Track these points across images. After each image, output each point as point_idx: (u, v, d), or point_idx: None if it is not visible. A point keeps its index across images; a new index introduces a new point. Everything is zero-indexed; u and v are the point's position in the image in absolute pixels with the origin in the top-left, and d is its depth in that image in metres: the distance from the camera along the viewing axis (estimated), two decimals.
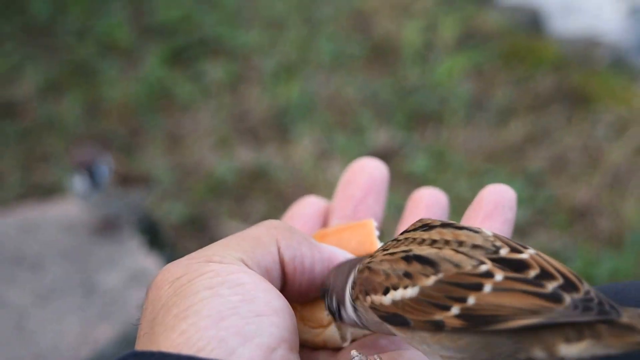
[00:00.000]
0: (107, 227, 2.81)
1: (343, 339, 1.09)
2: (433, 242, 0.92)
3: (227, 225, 3.59)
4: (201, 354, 0.90)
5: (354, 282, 0.99)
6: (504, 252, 0.90)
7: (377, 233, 1.15)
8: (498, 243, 0.91)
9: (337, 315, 1.04)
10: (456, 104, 4.09)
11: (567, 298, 0.84)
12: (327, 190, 3.60)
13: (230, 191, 3.81)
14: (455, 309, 0.87)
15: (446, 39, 4.61)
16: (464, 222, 1.16)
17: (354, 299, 0.98)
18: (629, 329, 0.84)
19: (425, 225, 0.96)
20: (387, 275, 0.93)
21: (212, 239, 3.34)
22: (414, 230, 0.96)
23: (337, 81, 4.48)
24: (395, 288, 0.91)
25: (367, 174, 1.27)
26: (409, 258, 0.91)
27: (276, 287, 1.02)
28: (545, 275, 0.87)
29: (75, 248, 2.72)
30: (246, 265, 1.01)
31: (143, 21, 5.32)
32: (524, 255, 0.89)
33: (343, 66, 4.61)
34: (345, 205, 1.26)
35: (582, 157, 3.67)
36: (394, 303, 0.91)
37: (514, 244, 0.91)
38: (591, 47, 4.49)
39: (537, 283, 0.86)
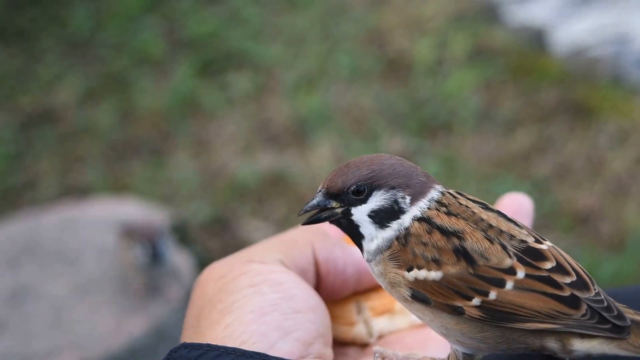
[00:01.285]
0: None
1: (370, 335, 1.09)
2: (489, 228, 0.91)
3: (249, 226, 3.58)
4: (244, 347, 0.92)
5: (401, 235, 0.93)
6: (530, 240, 0.91)
7: None
8: (525, 232, 0.92)
9: (375, 225, 0.96)
10: (465, 115, 4.07)
11: (584, 305, 0.85)
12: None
13: (252, 194, 3.80)
14: (476, 300, 0.87)
15: (456, 54, 4.59)
16: None
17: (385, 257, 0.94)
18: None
19: (483, 204, 0.94)
20: (415, 256, 0.91)
21: (234, 239, 3.34)
22: (474, 202, 0.94)
23: (354, 92, 4.47)
24: (420, 268, 0.91)
25: None
26: (458, 252, 0.89)
27: (311, 286, 1.03)
28: (560, 269, 0.87)
29: (111, 245, 2.71)
30: (284, 265, 1.03)
31: (174, 36, 5.33)
32: (543, 246, 0.90)
33: (360, 79, 4.60)
34: None
35: (585, 164, 3.65)
36: (417, 281, 0.90)
37: (537, 236, 0.92)
38: (593, 62, 4.47)
39: (556, 284, 0.86)
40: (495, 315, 0.86)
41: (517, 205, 1.15)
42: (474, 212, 0.92)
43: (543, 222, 3.32)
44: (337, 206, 0.96)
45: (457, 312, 0.88)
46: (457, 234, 0.90)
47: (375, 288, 1.11)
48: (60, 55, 5.25)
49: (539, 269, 0.87)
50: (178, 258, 2.63)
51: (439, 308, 0.90)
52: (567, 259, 0.90)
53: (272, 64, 4.82)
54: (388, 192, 0.95)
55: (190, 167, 4.03)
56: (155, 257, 2.56)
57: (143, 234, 2.59)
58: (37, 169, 4.21)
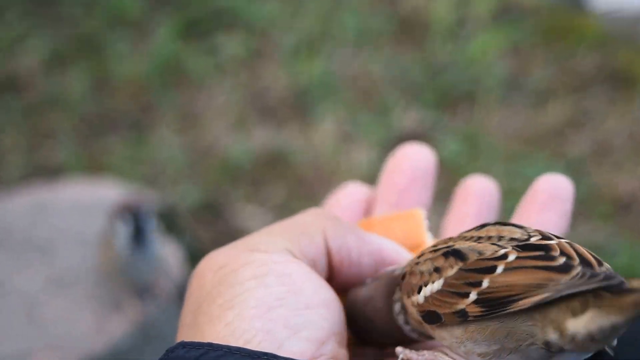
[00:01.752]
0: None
1: None
2: (478, 239, 0.98)
3: (244, 212, 3.62)
4: (248, 346, 0.94)
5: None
6: (534, 239, 0.95)
7: (426, 223, 1.18)
8: (533, 233, 0.96)
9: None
10: (490, 84, 4.09)
11: (577, 269, 0.90)
12: (349, 175, 3.62)
13: (246, 175, 3.83)
14: (473, 295, 0.92)
15: (480, 13, 4.61)
16: (517, 213, 1.20)
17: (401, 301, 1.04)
18: (629, 291, 0.87)
19: (481, 226, 1.01)
20: (422, 274, 0.98)
21: (227, 226, 3.39)
22: (469, 230, 1.02)
23: (362, 58, 4.49)
24: (426, 284, 0.97)
25: (412, 161, 1.29)
26: (447, 254, 0.97)
27: (323, 278, 1.05)
28: (563, 255, 0.92)
29: (89, 232, 2.75)
30: (292, 254, 1.04)
31: None
32: (551, 242, 0.94)
33: (368, 42, 4.62)
34: (389, 193, 1.28)
35: (626, 143, 3.68)
36: (426, 299, 0.97)
37: (549, 234, 0.96)
38: (638, 23, 4.48)
39: (550, 257, 0.91)
40: (492, 304, 0.91)
41: (554, 189, 1.17)
42: (465, 236, 1.00)
43: (578, 209, 3.36)
44: None
45: (463, 316, 0.94)
46: (447, 245, 1.00)
47: None
48: (23, 14, 5.25)
49: (533, 252, 0.93)
50: (166, 248, 2.67)
51: (449, 321, 0.95)
52: (578, 249, 0.93)
53: (267, 25, 4.84)
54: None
55: (176, 144, 4.06)
56: (138, 235, 2.55)
57: (125, 207, 2.59)
58: (0, 145, 4.24)
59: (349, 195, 1.31)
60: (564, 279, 0.89)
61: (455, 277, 0.94)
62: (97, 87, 4.58)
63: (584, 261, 0.91)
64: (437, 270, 0.96)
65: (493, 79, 4.14)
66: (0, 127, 4.37)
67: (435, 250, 0.99)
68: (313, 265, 1.06)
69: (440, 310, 0.95)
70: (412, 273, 1.00)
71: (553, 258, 0.91)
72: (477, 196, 1.26)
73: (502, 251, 0.93)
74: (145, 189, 3.21)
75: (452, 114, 4.02)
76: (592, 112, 3.88)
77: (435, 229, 1.19)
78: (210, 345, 0.94)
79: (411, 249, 1.15)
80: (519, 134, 3.83)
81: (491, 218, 1.25)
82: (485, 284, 0.92)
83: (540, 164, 3.51)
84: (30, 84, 4.67)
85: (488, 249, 0.94)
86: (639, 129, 3.74)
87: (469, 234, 1.00)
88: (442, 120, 3.97)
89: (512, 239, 0.95)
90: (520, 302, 0.90)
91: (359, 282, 1.11)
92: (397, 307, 1.05)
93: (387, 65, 4.39)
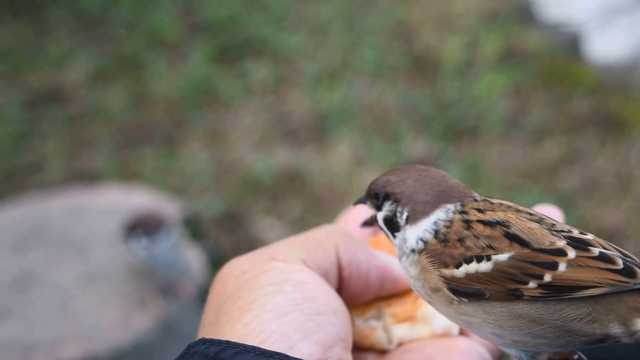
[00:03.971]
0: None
1: (389, 342, 1.13)
2: (529, 216, 0.98)
3: (262, 224, 3.62)
4: (263, 346, 0.95)
5: (437, 232, 0.99)
6: (575, 232, 0.96)
7: None
8: (568, 227, 0.98)
9: (389, 233, 1.04)
10: (493, 120, 4.10)
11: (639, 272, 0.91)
12: (361, 195, 3.62)
13: (266, 190, 3.84)
14: (532, 284, 0.93)
15: (487, 56, 4.62)
16: None
17: (421, 258, 0.99)
18: None
19: (513, 206, 1.00)
20: (468, 248, 0.96)
21: (247, 236, 3.40)
22: (501, 201, 1.00)
23: (378, 90, 4.50)
24: (470, 261, 0.95)
25: None
26: (509, 236, 0.95)
27: (334, 289, 1.06)
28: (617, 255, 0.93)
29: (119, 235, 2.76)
30: (307, 265, 1.05)
31: (191, 18, 5.37)
32: (589, 236, 0.95)
33: (384, 75, 4.64)
34: None
35: (614, 181, 3.67)
36: (467, 276, 0.96)
37: (580, 230, 0.98)
38: (630, 72, 4.49)
39: (609, 259, 0.92)
40: (557, 290, 0.92)
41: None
42: (509, 207, 0.99)
43: None
44: (372, 206, 1.03)
45: (515, 295, 0.93)
46: (502, 223, 0.97)
47: (397, 294, 1.15)
48: (71, 32, 5.30)
49: (588, 251, 0.93)
50: (189, 253, 2.68)
51: (496, 298, 0.94)
52: (615, 247, 0.95)
53: (293, 54, 4.86)
54: (392, 205, 1.03)
55: (204, 158, 4.08)
56: (150, 250, 2.54)
57: (140, 224, 2.58)
58: (44, 151, 4.26)
59: (360, 214, 1.31)
60: (632, 282, 0.90)
61: (510, 265, 0.93)
62: (135, 103, 4.61)
63: (630, 259, 0.93)
64: (492, 248, 0.95)
65: (495, 116, 4.14)
66: (45, 134, 4.40)
67: (488, 224, 0.96)
68: (325, 276, 1.07)
69: (487, 287, 0.95)
70: (461, 242, 0.97)
71: (613, 261, 0.91)
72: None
73: (560, 244, 0.93)
74: (172, 198, 3.22)
75: (457, 145, 4.03)
76: (584, 151, 3.88)
77: None
78: (228, 342, 0.94)
79: None
80: (516, 167, 3.83)
81: None
82: (548, 278, 0.92)
83: (534, 195, 3.51)
84: (74, 97, 4.70)
85: (544, 240, 0.94)
86: (626, 169, 3.74)
87: (513, 204, 0.99)
88: (448, 151, 3.98)
89: (559, 230, 0.95)
90: (592, 290, 0.91)
91: (366, 294, 1.12)
92: (416, 242, 1.01)
93: (401, 97, 4.40)
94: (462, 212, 0.99)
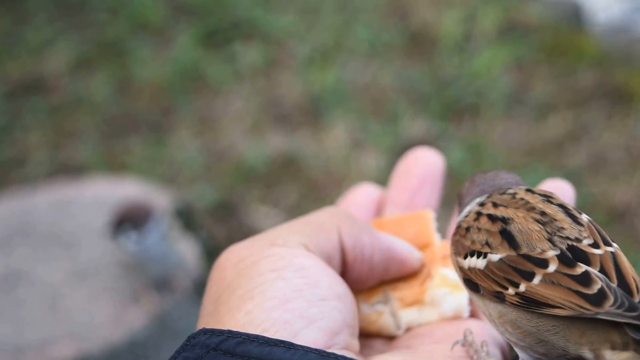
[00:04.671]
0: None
1: (397, 327, 1.13)
2: (541, 215, 0.98)
3: (257, 212, 3.62)
4: (266, 335, 0.94)
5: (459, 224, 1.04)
6: (584, 242, 0.95)
7: (434, 224, 1.19)
8: (585, 234, 0.96)
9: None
10: (494, 97, 4.10)
11: (610, 299, 0.89)
12: (358, 179, 3.62)
13: (260, 177, 3.84)
14: (511, 290, 0.94)
15: (486, 30, 4.61)
16: None
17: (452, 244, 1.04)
18: None
19: (547, 196, 1.02)
20: (473, 242, 0.99)
21: (242, 225, 3.39)
22: (535, 193, 1.02)
23: (373, 69, 4.50)
24: (472, 255, 0.98)
25: (423, 164, 1.30)
26: (503, 233, 0.97)
27: (337, 273, 1.06)
28: (600, 276, 0.92)
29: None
30: (308, 250, 1.04)
31: (176, 0, 5.35)
32: (597, 251, 0.94)
33: (379, 54, 4.63)
34: (402, 194, 1.28)
35: (622, 155, 3.67)
36: (469, 269, 0.98)
37: (599, 239, 0.96)
38: (634, 42, 4.49)
39: (586, 281, 0.91)
40: (529, 301, 0.93)
41: (558, 191, 1.17)
42: (527, 202, 1.00)
43: None
44: None
45: (499, 298, 0.95)
46: (503, 219, 0.98)
47: (404, 278, 1.14)
48: (51, 18, 5.28)
49: (572, 268, 0.92)
50: (182, 244, 2.68)
51: (486, 296, 0.97)
52: (623, 269, 0.93)
53: (284, 36, 4.84)
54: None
55: (194, 146, 4.07)
56: (140, 243, 2.52)
57: (128, 218, 2.55)
58: (27, 144, 4.25)
59: (362, 195, 1.31)
60: (595, 310, 0.89)
61: (497, 266, 0.95)
62: (120, 90, 4.60)
63: (623, 284, 0.91)
64: (488, 245, 0.97)
65: (497, 92, 4.14)
66: (27, 126, 4.39)
67: (492, 218, 0.99)
68: (328, 260, 1.06)
69: (480, 283, 0.97)
70: (466, 232, 1.01)
71: (589, 283, 0.90)
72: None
73: (549, 254, 0.93)
74: (163, 188, 3.21)
75: (457, 124, 4.03)
76: (590, 126, 3.88)
77: (441, 230, 1.20)
78: (230, 332, 0.94)
79: (420, 247, 1.16)
80: (520, 145, 3.83)
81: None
82: (522, 288, 0.93)
83: (540, 173, 3.51)
84: (56, 86, 4.69)
85: (538, 245, 0.94)
86: (635, 143, 3.74)
87: (534, 201, 1.00)
88: (448, 130, 3.97)
89: (564, 237, 0.95)
90: (557, 310, 0.91)
91: (371, 278, 1.12)
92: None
93: (397, 76, 4.39)
94: (481, 204, 1.03)
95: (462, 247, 1.00)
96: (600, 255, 0.94)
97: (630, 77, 4.13)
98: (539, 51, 4.44)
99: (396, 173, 1.32)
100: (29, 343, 2.39)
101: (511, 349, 1.07)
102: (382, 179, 3.54)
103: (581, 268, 0.92)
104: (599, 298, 0.89)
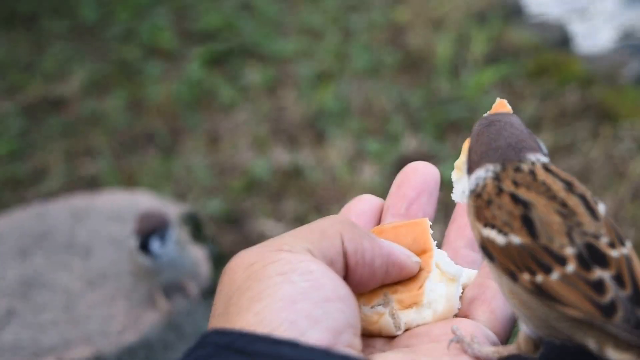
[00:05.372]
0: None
1: (397, 327, 1.13)
2: (562, 206, 0.94)
3: (264, 225, 3.63)
4: (274, 334, 0.95)
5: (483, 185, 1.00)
6: (602, 241, 0.90)
7: (431, 231, 1.19)
8: (603, 231, 0.91)
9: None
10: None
11: (619, 314, 0.87)
12: (359, 192, 3.63)
13: (265, 190, 3.85)
14: (526, 276, 0.91)
15: (476, 53, 4.64)
16: None
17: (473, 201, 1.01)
18: None
19: (568, 183, 0.96)
20: (494, 217, 0.96)
21: (247, 235, 3.40)
22: (556, 177, 0.96)
23: (371, 89, 4.52)
24: (493, 227, 0.95)
25: (420, 175, 1.30)
26: (524, 219, 0.93)
27: (340, 277, 1.06)
28: (616, 279, 0.89)
29: (123, 236, 2.76)
30: (313, 255, 1.05)
31: (185, 26, 5.39)
32: (612, 253, 0.90)
33: (376, 75, 4.65)
34: (399, 204, 1.29)
35: (606, 169, 3.68)
36: (488, 239, 0.96)
37: (615, 237, 0.91)
38: (617, 64, 4.51)
39: (601, 289, 0.88)
40: (542, 293, 0.91)
41: None
42: (549, 189, 0.96)
43: None
44: None
45: (513, 277, 0.93)
46: (526, 204, 0.95)
47: (402, 281, 1.15)
48: (67, 44, 5.30)
49: (589, 271, 0.89)
50: (193, 253, 2.68)
51: (501, 269, 0.95)
52: (636, 275, 0.90)
53: (287, 58, 4.87)
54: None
55: (202, 161, 4.08)
56: (144, 250, 2.49)
57: (150, 226, 2.52)
58: (44, 160, 4.26)
59: (363, 205, 1.32)
60: (606, 321, 0.87)
61: (518, 250, 0.92)
62: (132, 110, 4.62)
63: (637, 295, 0.88)
64: (509, 226, 0.94)
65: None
66: (45, 144, 4.40)
67: (515, 200, 0.95)
68: (331, 264, 1.07)
69: (495, 255, 0.95)
70: (488, 205, 0.97)
71: (603, 291, 0.87)
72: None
73: (568, 251, 0.90)
74: (174, 201, 3.22)
75: (451, 141, 4.04)
76: (576, 143, 3.89)
77: (435, 237, 1.21)
78: (240, 332, 0.95)
79: (418, 253, 1.16)
80: None
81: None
82: (539, 279, 0.90)
83: None
84: (72, 106, 4.71)
85: (557, 239, 0.91)
86: (618, 158, 3.75)
87: (556, 187, 0.95)
88: (442, 147, 3.99)
89: (583, 232, 0.91)
90: (567, 309, 0.89)
91: (372, 281, 1.12)
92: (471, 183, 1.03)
93: (393, 95, 4.41)
94: (496, 177, 0.99)
95: (482, 216, 0.97)
96: (617, 258, 0.90)
97: (614, 97, 4.14)
98: (526, 72, 4.47)
99: (394, 184, 1.32)
100: (46, 347, 2.38)
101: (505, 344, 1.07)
102: (382, 192, 3.55)
103: (597, 273, 0.89)
104: (610, 309, 0.87)
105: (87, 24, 5.59)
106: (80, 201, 2.99)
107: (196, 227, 2.86)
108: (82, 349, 2.35)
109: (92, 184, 4.00)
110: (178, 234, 2.60)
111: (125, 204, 2.92)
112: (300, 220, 3.53)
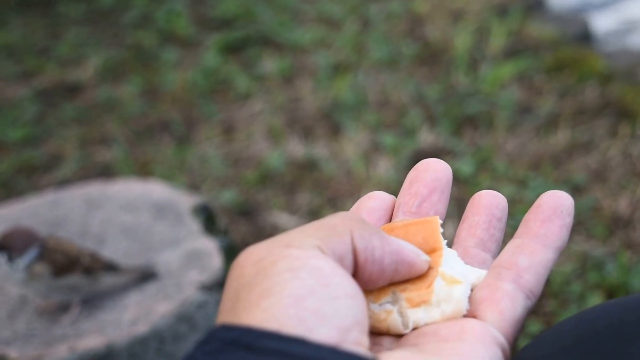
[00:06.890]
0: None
1: (405, 326, 1.14)
2: None
3: (276, 215, 3.64)
4: (282, 330, 0.96)
5: None
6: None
7: (441, 230, 1.20)
8: None
9: None
10: (504, 112, 4.11)
11: None
12: (374, 186, 3.65)
13: (279, 182, 3.86)
14: None
15: (496, 46, 4.63)
16: (522, 224, 1.21)
17: None
18: None
19: None
20: None
21: (260, 227, 3.41)
22: None
23: (388, 81, 4.52)
24: None
25: (432, 173, 1.31)
26: None
27: (349, 274, 1.07)
28: None
29: (136, 226, 2.78)
30: (322, 251, 1.06)
31: (202, 13, 5.40)
32: None
33: (394, 67, 4.65)
34: (410, 201, 1.30)
35: (624, 168, 3.67)
36: None
37: None
38: (638, 61, 4.49)
39: None
40: None
41: (556, 203, 1.17)
42: None
43: (577, 227, 3.36)
44: None
45: None
46: None
47: (411, 279, 1.16)
48: (82, 29, 5.33)
49: None
50: (205, 243, 2.70)
51: None
52: None
53: (304, 47, 4.88)
54: None
55: (217, 152, 4.10)
56: (10, 265, 2.33)
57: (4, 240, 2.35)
58: (58, 147, 4.30)
59: (374, 202, 1.32)
60: None
61: None
62: (147, 96, 4.64)
63: None
64: None
65: (507, 106, 4.15)
66: (58, 129, 4.43)
67: None
68: (340, 262, 1.07)
69: None
70: None
71: None
72: (487, 207, 1.28)
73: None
74: (188, 191, 3.24)
75: (468, 136, 4.04)
76: (594, 141, 3.88)
77: (446, 235, 1.22)
78: (248, 327, 0.96)
79: (428, 252, 1.17)
80: (527, 157, 3.83)
81: (499, 228, 1.26)
82: None
83: (546, 184, 3.52)
84: (87, 92, 4.73)
85: None
86: (637, 156, 3.74)
87: None
88: (459, 141, 3.99)
89: None
90: None
91: (381, 279, 1.13)
92: None
93: (410, 88, 4.41)
94: None
95: None
96: None
97: (634, 95, 4.13)
98: (546, 67, 4.45)
99: (406, 181, 1.33)
100: (57, 337, 2.41)
101: (513, 350, 1.08)
102: (396, 186, 3.56)
103: None
104: None
105: (104, 8, 5.62)
106: (94, 189, 3.01)
107: (209, 218, 2.87)
108: (94, 339, 2.37)
109: (106, 172, 4.02)
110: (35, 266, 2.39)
111: (138, 194, 2.95)
112: (314, 213, 3.54)
